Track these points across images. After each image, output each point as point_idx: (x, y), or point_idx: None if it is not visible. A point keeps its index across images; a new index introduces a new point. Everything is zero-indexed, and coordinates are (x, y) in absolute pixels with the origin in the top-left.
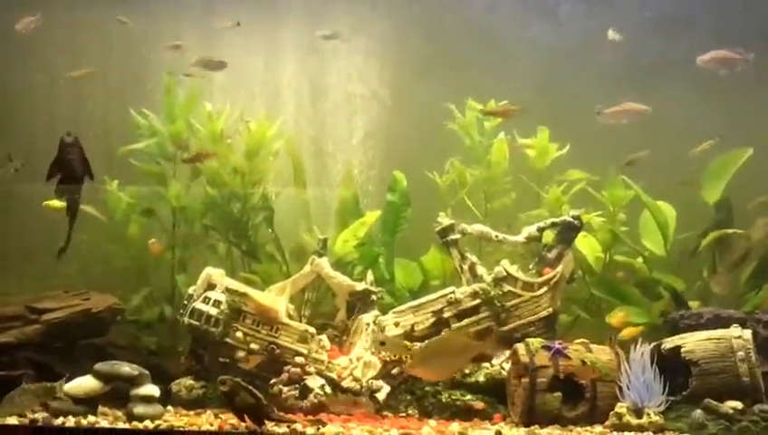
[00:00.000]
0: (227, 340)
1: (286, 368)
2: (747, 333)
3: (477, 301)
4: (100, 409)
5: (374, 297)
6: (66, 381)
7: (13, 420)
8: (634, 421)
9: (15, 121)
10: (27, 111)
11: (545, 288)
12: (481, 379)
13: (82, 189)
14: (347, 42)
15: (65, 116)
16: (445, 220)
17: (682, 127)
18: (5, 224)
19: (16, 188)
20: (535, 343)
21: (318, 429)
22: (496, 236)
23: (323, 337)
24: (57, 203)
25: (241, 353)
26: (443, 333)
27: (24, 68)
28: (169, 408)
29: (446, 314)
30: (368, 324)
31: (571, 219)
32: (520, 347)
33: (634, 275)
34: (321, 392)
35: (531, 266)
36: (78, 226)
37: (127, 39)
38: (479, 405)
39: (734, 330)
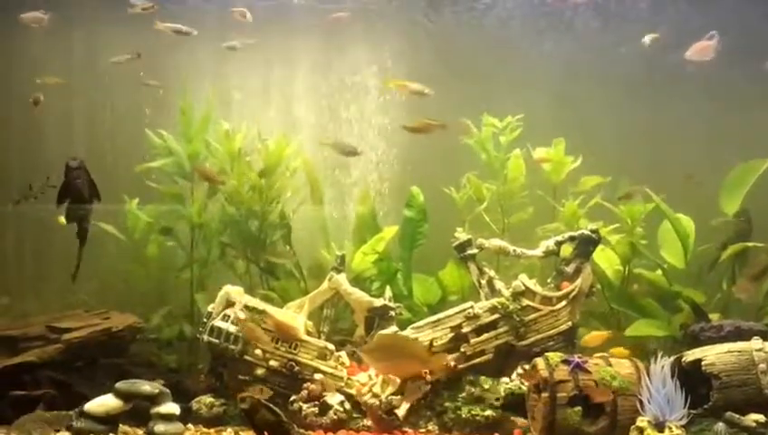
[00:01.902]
0: (247, 357)
1: (305, 385)
2: None
3: (496, 316)
4: (121, 428)
5: (392, 313)
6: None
7: None
8: None
9: (32, 143)
10: (43, 132)
11: (564, 302)
12: (501, 394)
13: (100, 210)
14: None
15: (80, 138)
16: (462, 235)
17: (699, 139)
18: (25, 245)
19: (35, 209)
20: (555, 357)
21: None
22: (514, 251)
23: (342, 354)
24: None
25: (260, 371)
26: (406, 334)
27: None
28: (190, 426)
29: (465, 329)
30: None
31: (590, 233)
32: (539, 361)
33: (653, 287)
34: (341, 409)
35: (549, 280)
36: (97, 245)
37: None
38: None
39: (756, 342)
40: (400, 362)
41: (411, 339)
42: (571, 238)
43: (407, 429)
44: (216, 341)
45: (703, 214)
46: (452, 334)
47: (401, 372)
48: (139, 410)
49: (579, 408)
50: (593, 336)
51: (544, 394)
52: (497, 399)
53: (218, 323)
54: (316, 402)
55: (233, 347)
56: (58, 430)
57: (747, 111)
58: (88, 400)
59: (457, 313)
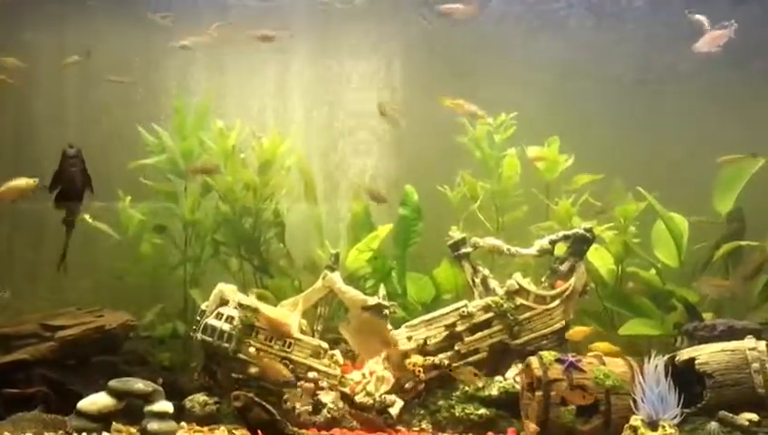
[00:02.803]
0: (240, 355)
1: (299, 383)
2: (762, 345)
3: (490, 314)
4: (114, 425)
5: (387, 311)
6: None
7: None
8: (649, 434)
9: (25, 137)
10: (38, 127)
11: (558, 301)
12: (494, 392)
13: (94, 207)
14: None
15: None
16: (456, 234)
17: (691, 138)
18: (18, 242)
19: (29, 206)
20: (548, 356)
21: None
22: (508, 250)
23: (336, 352)
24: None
25: (254, 369)
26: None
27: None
28: (183, 424)
29: (459, 328)
30: None
31: (584, 232)
32: (533, 360)
33: (647, 286)
34: (335, 407)
35: (543, 279)
36: (91, 242)
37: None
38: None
39: (749, 341)
40: (372, 344)
41: (387, 328)
42: (566, 237)
43: (400, 428)
44: (210, 339)
45: (696, 213)
46: (446, 333)
47: (369, 352)
48: (132, 409)
49: (572, 406)
50: (576, 331)
51: (538, 393)
52: (490, 397)
53: (212, 321)
54: (310, 401)
55: (226, 345)
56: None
57: (741, 110)
58: (81, 398)
59: (451, 311)
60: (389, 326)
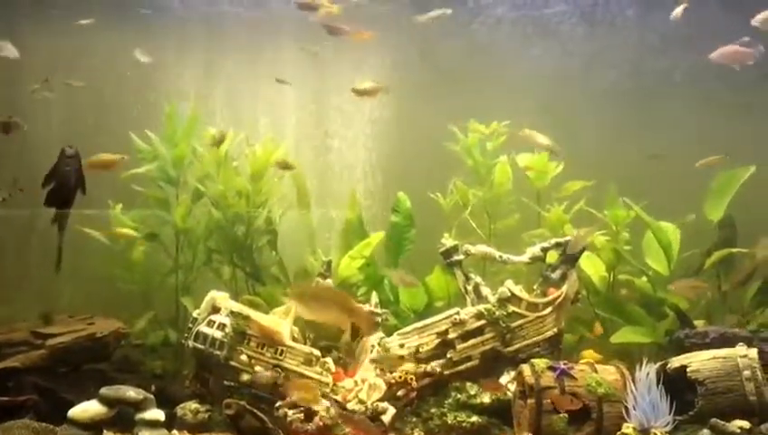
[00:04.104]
0: (232, 363)
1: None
2: (753, 352)
3: (482, 322)
4: (105, 433)
5: (379, 319)
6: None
7: None
8: None
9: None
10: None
11: (550, 308)
12: (486, 400)
13: (85, 214)
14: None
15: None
16: (448, 241)
17: (684, 146)
18: (8, 249)
19: (19, 213)
20: (541, 363)
21: None
22: (500, 257)
23: (328, 360)
24: (125, 230)
25: (246, 376)
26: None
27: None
28: (174, 432)
29: (451, 336)
30: (372, 346)
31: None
32: (525, 368)
33: (638, 294)
34: (327, 415)
35: (535, 287)
36: (82, 250)
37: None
38: None
39: (740, 349)
40: (328, 310)
41: (339, 290)
42: (557, 245)
43: None
44: (202, 346)
45: (689, 220)
46: (438, 340)
47: (327, 320)
48: (123, 417)
49: (564, 414)
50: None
51: (530, 400)
52: (482, 404)
53: (204, 328)
54: (302, 408)
55: (218, 353)
56: None
57: (732, 118)
58: (73, 405)
59: (443, 319)
60: (395, 339)
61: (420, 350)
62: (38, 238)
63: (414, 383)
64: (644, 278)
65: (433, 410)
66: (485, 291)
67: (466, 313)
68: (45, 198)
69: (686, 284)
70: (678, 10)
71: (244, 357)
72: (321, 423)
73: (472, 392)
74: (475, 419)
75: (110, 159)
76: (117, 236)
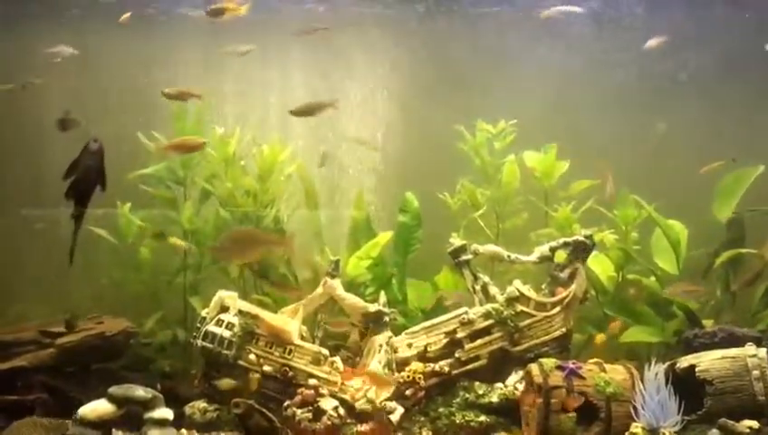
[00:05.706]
0: (240, 362)
1: (299, 390)
2: (762, 352)
3: (490, 321)
4: (114, 432)
5: (387, 318)
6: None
7: None
8: None
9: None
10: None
11: (558, 308)
12: (495, 399)
13: (97, 213)
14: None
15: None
16: (456, 241)
17: (692, 145)
18: (18, 249)
19: (29, 213)
20: (549, 363)
21: None
22: (508, 256)
23: (336, 359)
24: (179, 241)
25: (254, 376)
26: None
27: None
28: (183, 431)
29: (460, 335)
30: (381, 346)
31: (584, 239)
32: (533, 367)
33: (647, 294)
34: (335, 414)
35: (543, 286)
36: (91, 249)
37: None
38: None
39: (749, 349)
40: (252, 249)
41: (260, 231)
42: (566, 244)
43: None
44: (210, 346)
45: (696, 220)
46: (446, 340)
47: (254, 256)
48: (132, 416)
49: (573, 414)
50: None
51: (538, 400)
52: (491, 404)
53: (212, 328)
54: (310, 408)
55: (227, 352)
56: None
57: (739, 118)
58: (81, 404)
59: (452, 318)
60: (403, 339)
61: (428, 349)
62: (47, 239)
63: (422, 383)
64: (652, 278)
65: (441, 410)
66: (494, 290)
67: (475, 312)
68: (66, 191)
69: (681, 288)
70: (652, 42)
71: (252, 356)
72: (329, 423)
73: (480, 392)
74: (483, 418)
75: (195, 141)
76: (173, 245)
